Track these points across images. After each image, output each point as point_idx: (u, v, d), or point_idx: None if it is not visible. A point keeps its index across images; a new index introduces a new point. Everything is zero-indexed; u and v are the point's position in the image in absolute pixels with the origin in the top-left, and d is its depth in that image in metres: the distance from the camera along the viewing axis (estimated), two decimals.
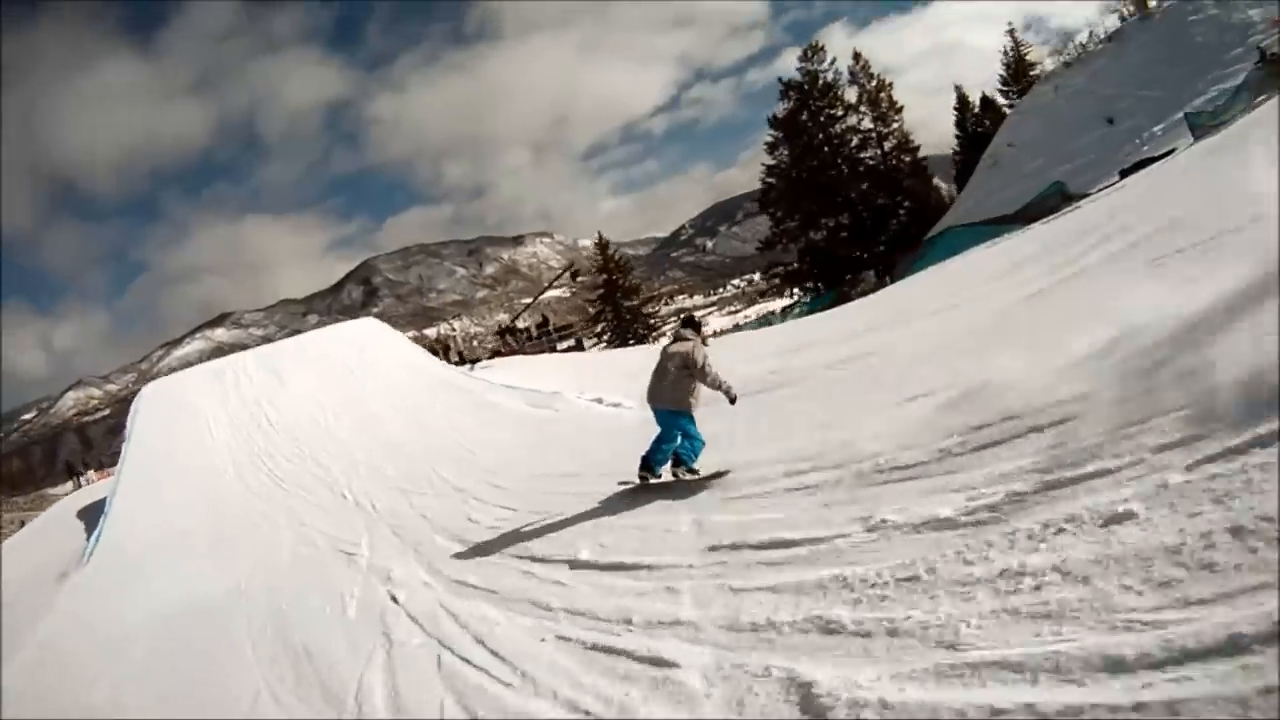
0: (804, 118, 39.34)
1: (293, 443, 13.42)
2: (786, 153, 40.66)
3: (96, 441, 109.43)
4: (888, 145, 39.12)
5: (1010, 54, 40.35)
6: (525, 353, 25.96)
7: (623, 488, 5.99)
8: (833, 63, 38.72)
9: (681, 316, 6.29)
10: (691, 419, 5.59)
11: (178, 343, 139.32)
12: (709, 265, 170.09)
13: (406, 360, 17.20)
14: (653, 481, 5.67)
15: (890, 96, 38.63)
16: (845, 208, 39.75)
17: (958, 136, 42.61)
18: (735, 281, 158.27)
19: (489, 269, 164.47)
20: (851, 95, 39.03)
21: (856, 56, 38.79)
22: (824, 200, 39.69)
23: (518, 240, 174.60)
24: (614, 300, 42.75)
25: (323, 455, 12.48)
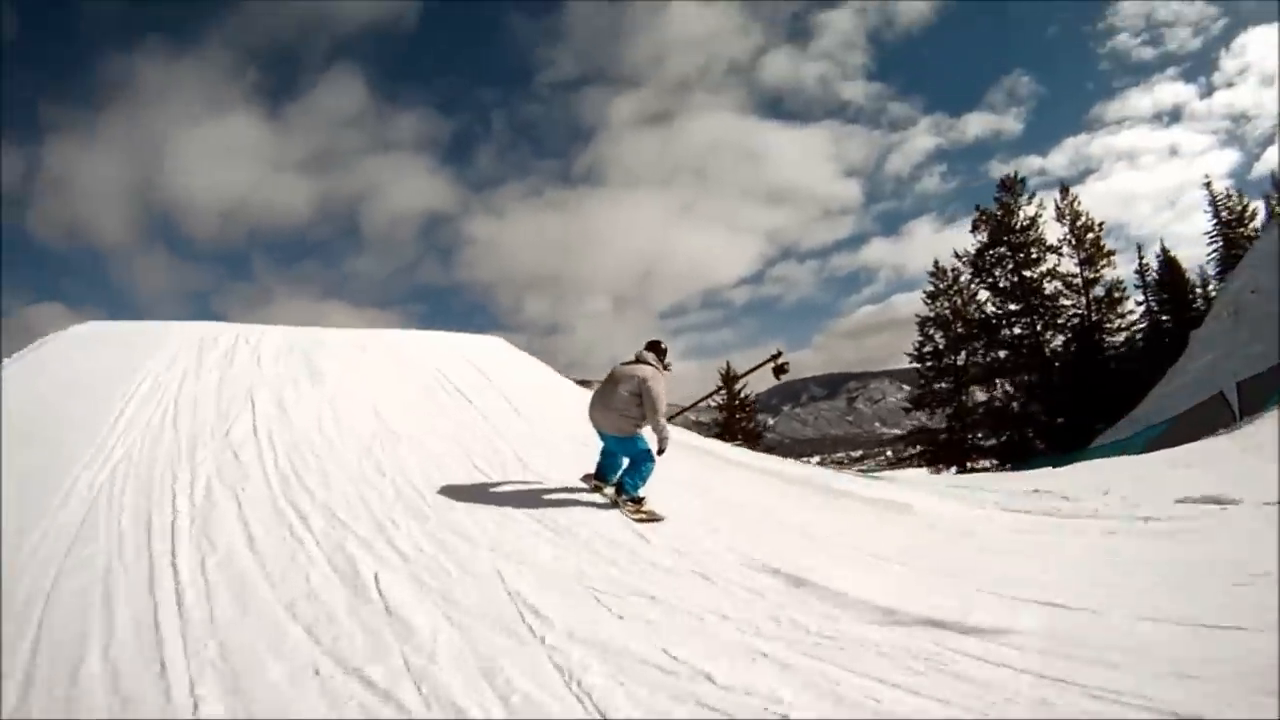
0: (992, 254, 31.77)
1: (290, 490, 4.11)
2: (946, 305, 32.89)
3: None
4: (1093, 294, 30.80)
5: (1224, 200, 33.73)
6: None
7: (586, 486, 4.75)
8: (1032, 197, 31.63)
9: (648, 341, 4.89)
10: (643, 440, 4.60)
11: None
12: (768, 443, 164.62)
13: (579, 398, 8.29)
14: (607, 491, 4.69)
15: (1099, 239, 30.82)
16: (1036, 364, 30.92)
17: (1143, 300, 34.60)
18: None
19: None
20: (1051, 236, 31.43)
21: (1064, 190, 31.64)
22: (1013, 353, 31.23)
23: (583, 384, 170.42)
24: (733, 439, 33.48)
25: (378, 549, 3.08)
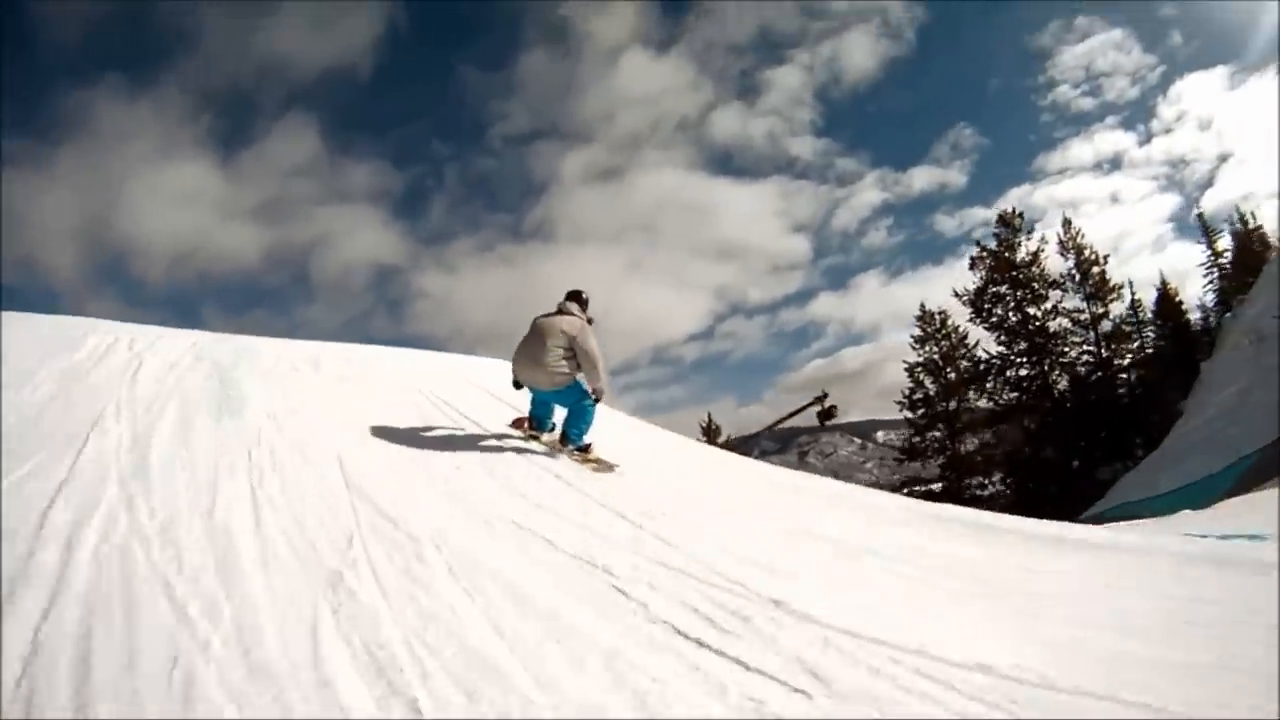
0: (993, 293, 30.22)
1: None
2: (935, 350, 31.25)
3: None
4: (1102, 329, 29.05)
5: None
6: None
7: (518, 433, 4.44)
8: (1030, 231, 30.29)
9: (569, 291, 4.60)
10: (580, 385, 4.30)
11: None
12: None
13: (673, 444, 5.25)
14: (545, 439, 4.44)
15: (1104, 274, 29.26)
16: (1045, 405, 29.30)
17: (1137, 337, 32.93)
18: None
19: None
20: (1051, 270, 30.00)
21: (1066, 224, 30.31)
22: (1020, 395, 29.29)
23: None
24: None
25: None
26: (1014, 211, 31.03)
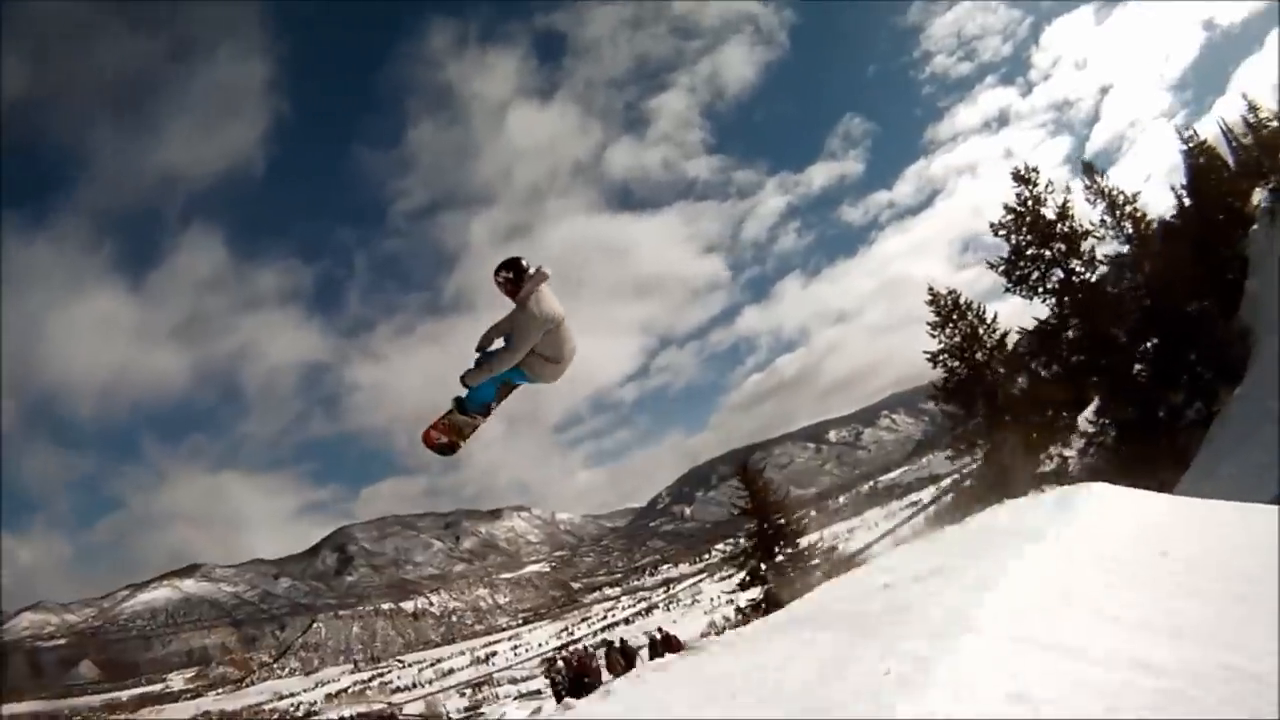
0: (1029, 256, 28.10)
1: None
2: (956, 331, 28.61)
3: (48, 669, 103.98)
4: (1148, 269, 27.38)
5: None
6: None
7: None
8: (1049, 186, 28.52)
9: (507, 261, 4.33)
10: None
11: (144, 586, 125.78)
12: (690, 532, 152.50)
13: None
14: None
15: (1139, 208, 27.99)
16: (1115, 364, 27.00)
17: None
18: (719, 546, 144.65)
19: (466, 543, 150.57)
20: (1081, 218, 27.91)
21: (1088, 168, 28.72)
22: (1085, 357, 26.95)
23: (495, 514, 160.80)
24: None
25: None
26: (1029, 167, 29.22)
